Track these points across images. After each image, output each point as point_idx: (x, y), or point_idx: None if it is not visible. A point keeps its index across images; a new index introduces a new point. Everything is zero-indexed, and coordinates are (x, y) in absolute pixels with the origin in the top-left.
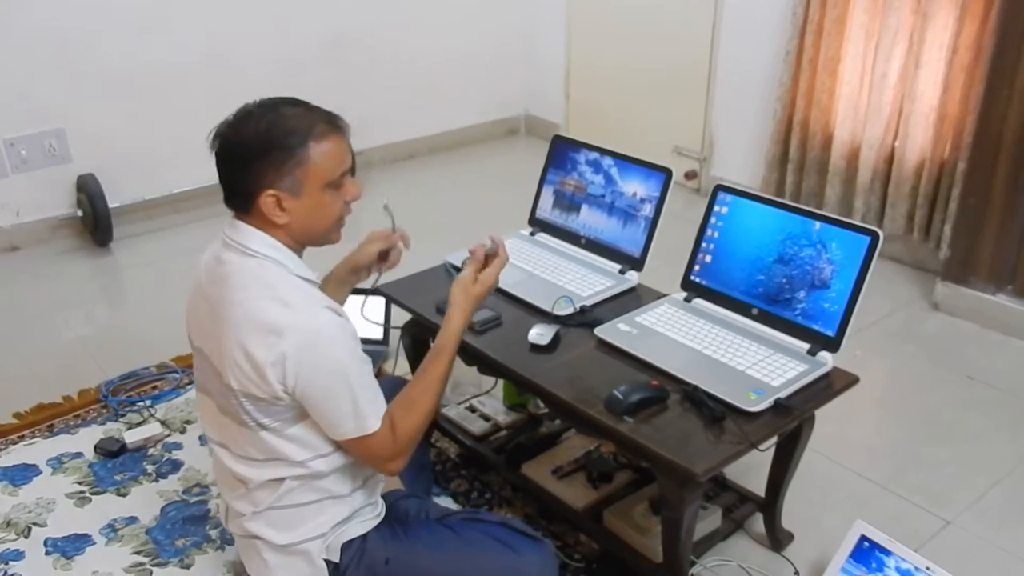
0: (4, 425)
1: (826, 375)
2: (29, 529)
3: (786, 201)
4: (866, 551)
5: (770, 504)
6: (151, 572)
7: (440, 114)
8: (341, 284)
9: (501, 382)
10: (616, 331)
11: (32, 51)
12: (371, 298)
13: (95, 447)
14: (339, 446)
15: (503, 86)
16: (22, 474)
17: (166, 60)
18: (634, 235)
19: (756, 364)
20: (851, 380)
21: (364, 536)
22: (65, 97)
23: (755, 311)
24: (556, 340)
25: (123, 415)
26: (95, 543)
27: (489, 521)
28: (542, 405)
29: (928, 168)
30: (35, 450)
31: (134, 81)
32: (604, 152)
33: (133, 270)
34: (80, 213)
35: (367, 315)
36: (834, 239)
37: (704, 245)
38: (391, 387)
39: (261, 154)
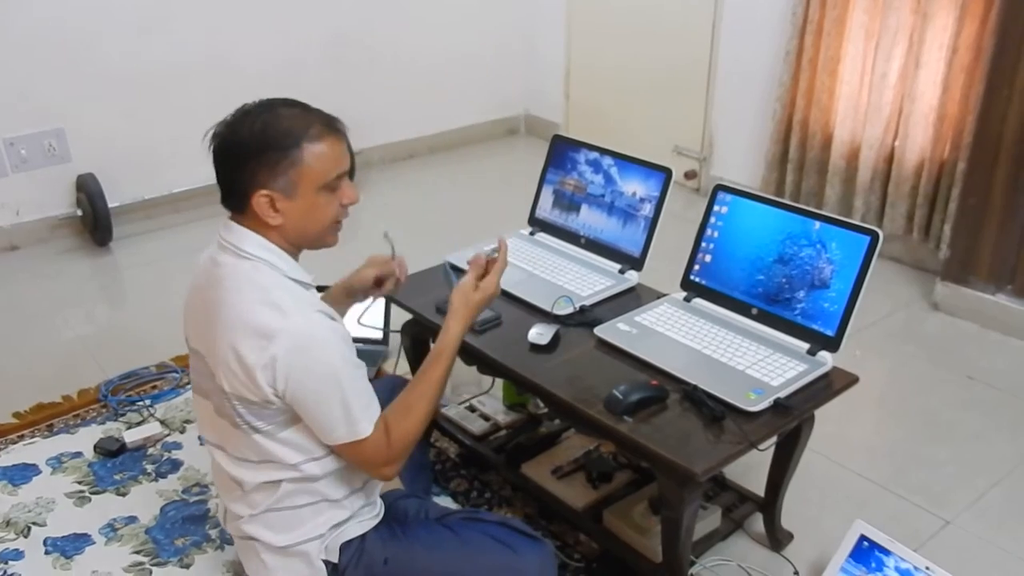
0: (4, 425)
1: (826, 375)
2: (29, 529)
3: (786, 201)
4: (866, 551)
5: (770, 504)
6: (151, 572)
7: (440, 114)
8: (336, 305)
9: (500, 382)
10: (616, 331)
11: (32, 51)
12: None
13: (95, 447)
14: (333, 450)
15: (503, 86)
16: (22, 474)
17: (166, 60)
18: (634, 235)
19: (756, 364)
20: (851, 380)
21: (363, 536)
22: (65, 97)
23: (755, 311)
24: (556, 340)
25: (123, 415)
26: (95, 543)
27: (488, 521)
28: (542, 405)
29: (928, 168)
30: (35, 450)
31: (134, 81)
32: (604, 152)
33: (133, 270)
34: (80, 213)
35: (368, 316)
36: (834, 239)
37: (704, 245)
38: (390, 386)
39: (256, 154)
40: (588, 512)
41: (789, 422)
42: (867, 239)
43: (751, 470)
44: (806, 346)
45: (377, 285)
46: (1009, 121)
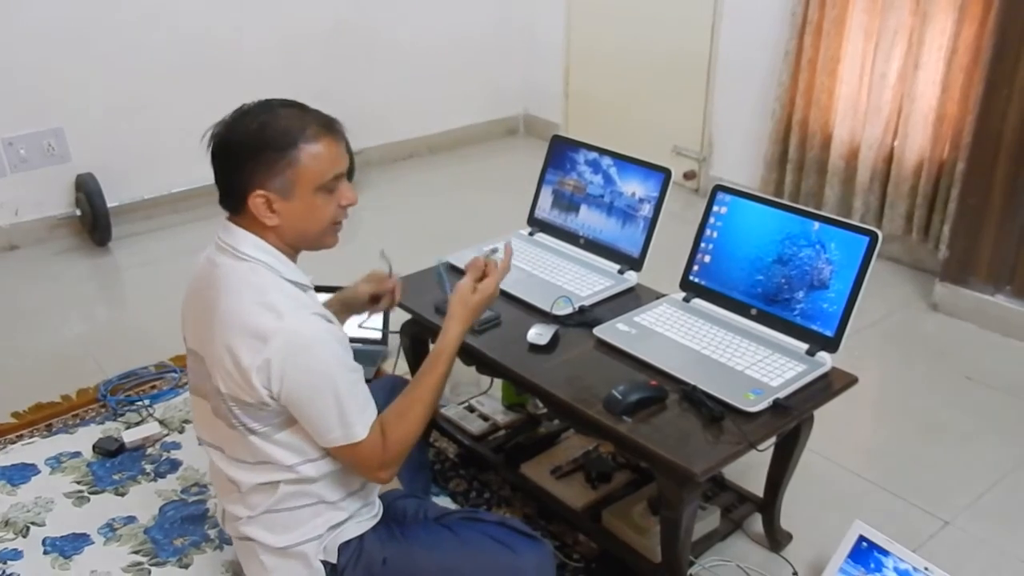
0: (2, 424)
1: (825, 375)
2: (27, 528)
3: (785, 201)
4: (864, 551)
5: (769, 504)
6: (149, 572)
7: (439, 114)
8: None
9: (499, 382)
10: (615, 331)
11: (31, 50)
12: None
13: (93, 446)
14: (329, 452)
15: (502, 86)
16: (20, 473)
17: (165, 59)
18: (633, 235)
19: (755, 364)
20: (850, 380)
21: (361, 537)
22: (64, 96)
23: (754, 311)
24: (555, 340)
25: (122, 414)
26: (93, 542)
27: (487, 521)
28: (541, 405)
29: (927, 168)
30: (33, 449)
31: (133, 80)
32: (603, 152)
33: (132, 269)
34: (79, 212)
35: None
36: (833, 239)
37: (703, 245)
38: (389, 386)
39: (252, 153)
40: (587, 512)
41: (788, 422)
42: (866, 239)
43: (750, 470)
44: (805, 346)
45: (373, 301)
46: (1008, 121)
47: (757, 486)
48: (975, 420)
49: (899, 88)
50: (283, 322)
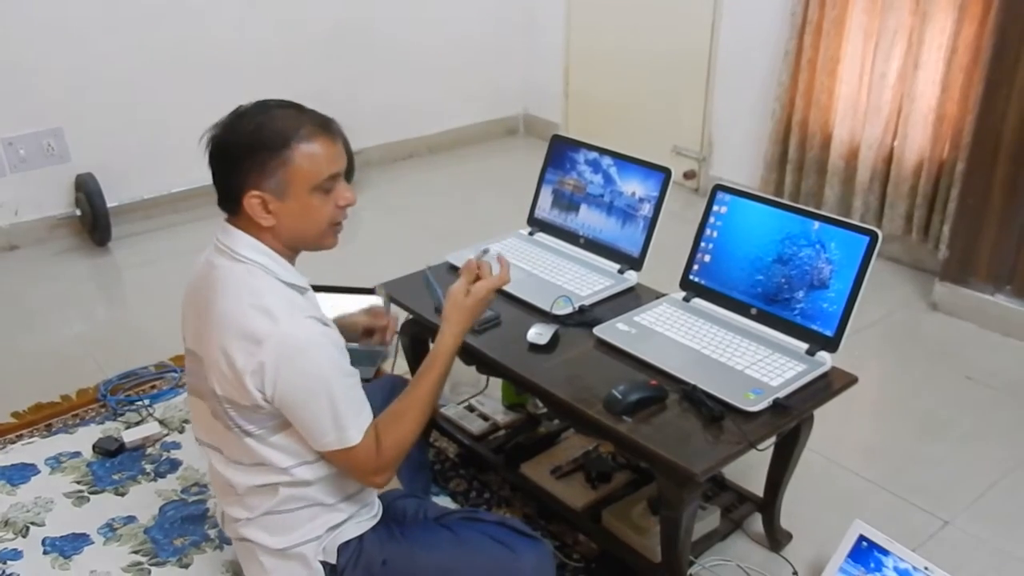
0: (2, 424)
1: (825, 375)
2: (27, 528)
3: (785, 201)
4: (864, 551)
5: (769, 504)
6: (149, 571)
7: (439, 114)
8: None
9: (497, 381)
10: (615, 331)
11: (31, 50)
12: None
13: (93, 446)
14: (323, 456)
15: (502, 86)
16: (20, 473)
17: (165, 59)
18: (633, 235)
19: (755, 364)
20: (850, 380)
21: (361, 537)
22: (64, 96)
23: (754, 311)
24: (555, 340)
25: (121, 414)
26: (93, 542)
27: (487, 521)
28: (541, 405)
29: (927, 168)
30: (33, 449)
31: (133, 80)
32: (603, 152)
33: (131, 269)
34: (79, 212)
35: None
36: (833, 239)
37: (703, 245)
38: (389, 386)
39: (247, 154)
40: (587, 512)
41: (788, 422)
42: (866, 239)
43: (750, 470)
44: (805, 346)
45: (367, 334)
46: (1008, 121)
47: (757, 486)
48: (975, 420)
49: (899, 88)
50: (277, 325)
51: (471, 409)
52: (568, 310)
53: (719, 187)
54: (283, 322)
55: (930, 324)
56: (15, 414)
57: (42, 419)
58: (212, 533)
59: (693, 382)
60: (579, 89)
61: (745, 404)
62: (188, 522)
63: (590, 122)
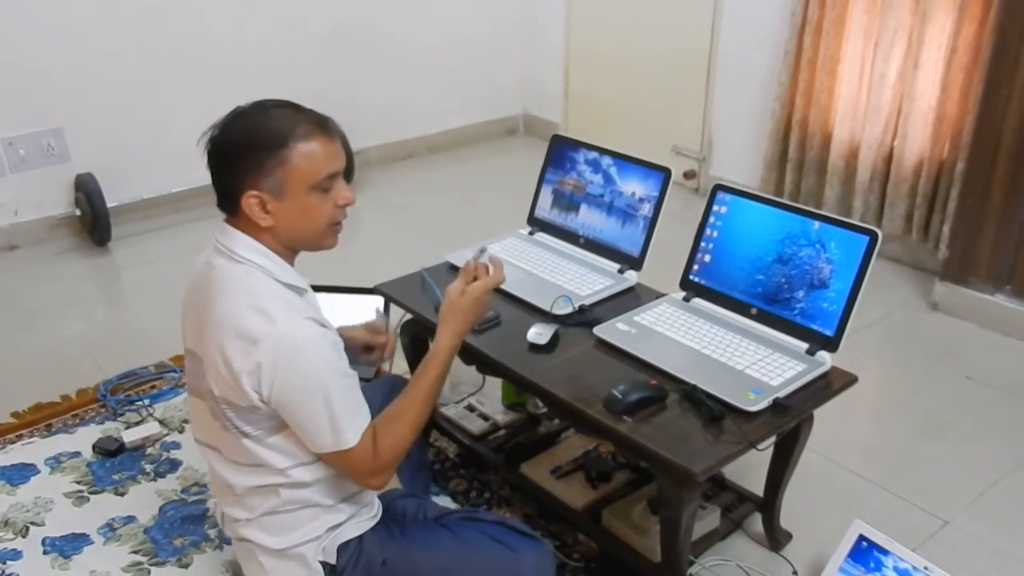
0: (2, 424)
1: (825, 375)
2: (27, 528)
3: (785, 201)
4: (864, 551)
5: (768, 504)
6: (149, 571)
7: (439, 114)
8: None
9: (497, 381)
10: (615, 330)
11: (31, 50)
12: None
13: (93, 446)
14: (320, 457)
15: (502, 85)
16: (20, 473)
17: (165, 59)
18: (633, 234)
19: (755, 364)
20: (850, 380)
21: (360, 537)
22: (63, 96)
23: (754, 311)
24: (555, 339)
25: (121, 414)
26: (93, 542)
27: (487, 521)
28: (541, 404)
29: (927, 168)
30: (33, 449)
31: (133, 80)
32: (603, 152)
33: (131, 269)
34: (78, 212)
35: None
36: (833, 239)
37: (703, 244)
38: (389, 386)
39: (244, 153)
40: (587, 512)
41: (788, 422)
42: (866, 239)
43: (750, 470)
44: (805, 346)
45: (366, 350)
46: (1008, 121)
47: (757, 485)
48: (975, 420)
49: (899, 88)
50: (274, 326)
51: (471, 409)
52: (568, 310)
53: (719, 187)
54: (280, 323)
55: (930, 324)
56: (15, 414)
57: (42, 419)
58: (212, 533)
59: (693, 382)
60: (579, 89)
61: (745, 404)
62: (188, 522)
63: (590, 122)
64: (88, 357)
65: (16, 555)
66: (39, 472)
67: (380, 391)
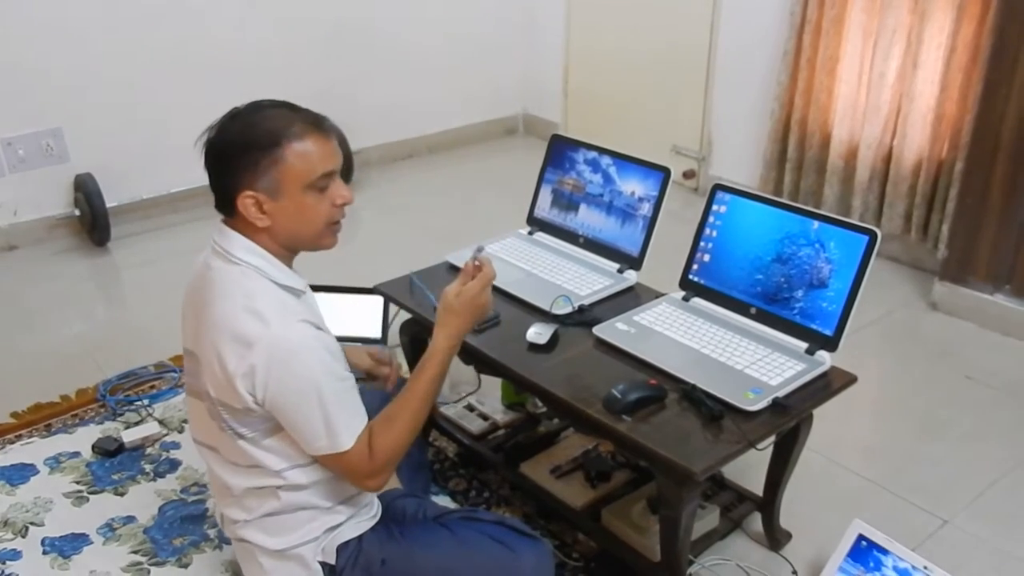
0: (2, 424)
1: (824, 374)
2: (26, 528)
3: (784, 200)
4: (864, 550)
5: (768, 503)
6: (149, 571)
7: (438, 113)
8: None
9: (496, 380)
10: (614, 330)
11: (31, 50)
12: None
13: (93, 446)
14: (316, 460)
15: (502, 85)
16: (19, 474)
17: (165, 59)
18: (632, 234)
19: (754, 363)
20: (849, 379)
21: (360, 537)
22: (63, 96)
23: (753, 310)
24: (554, 339)
25: (121, 414)
26: (93, 542)
27: (486, 520)
28: (540, 404)
29: (926, 168)
30: (32, 449)
31: (132, 80)
32: (602, 151)
33: (131, 269)
34: (78, 212)
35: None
36: (832, 238)
37: (702, 244)
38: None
39: (239, 153)
40: (587, 511)
41: (787, 421)
42: (865, 238)
43: (750, 469)
44: (804, 345)
45: (369, 378)
46: (1007, 120)
47: (757, 485)
48: (975, 420)
49: (898, 87)
50: (269, 329)
51: (471, 408)
52: (568, 310)
53: (718, 186)
54: (274, 325)
55: (929, 324)
56: (14, 414)
57: (41, 419)
58: (211, 533)
59: (692, 381)
60: (578, 89)
61: (744, 403)
62: (187, 522)
63: (589, 122)
64: (87, 357)
65: (16, 555)
66: (39, 472)
67: (378, 392)
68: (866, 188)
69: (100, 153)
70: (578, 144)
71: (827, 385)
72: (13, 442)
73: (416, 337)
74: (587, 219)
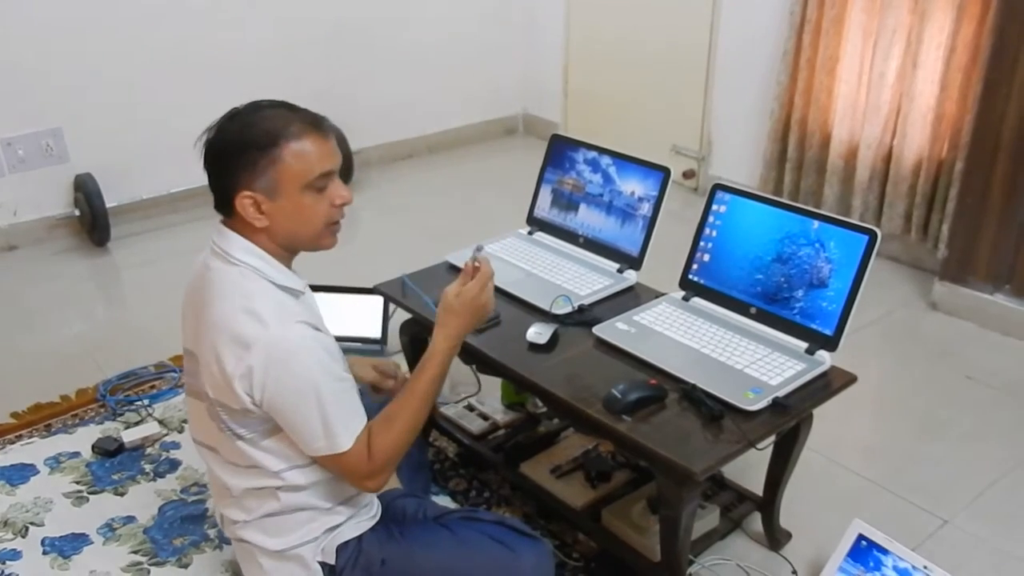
0: (2, 424)
1: (824, 374)
2: (27, 529)
3: (784, 200)
4: (864, 550)
5: (768, 503)
6: (149, 571)
7: (438, 113)
8: None
9: (496, 380)
10: (614, 330)
11: (30, 50)
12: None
13: (93, 446)
14: (315, 460)
15: (501, 85)
16: (19, 474)
17: (165, 59)
18: (632, 234)
19: (754, 363)
20: (849, 379)
21: (360, 537)
22: (63, 96)
23: (753, 310)
24: (554, 339)
25: (121, 414)
26: (93, 542)
27: (486, 520)
28: (540, 404)
29: (926, 167)
30: (32, 449)
31: (132, 80)
32: (602, 151)
33: (131, 269)
34: (77, 212)
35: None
36: (832, 238)
37: (702, 244)
38: None
39: (237, 153)
40: (587, 511)
41: (787, 421)
42: (865, 238)
43: (750, 469)
44: (804, 345)
45: (374, 390)
46: (1007, 120)
47: (756, 485)
48: (975, 420)
49: (898, 87)
50: (267, 330)
51: (471, 408)
52: (567, 309)
53: (718, 186)
54: (272, 326)
55: (930, 323)
56: (14, 414)
57: (41, 419)
58: (211, 533)
59: (692, 381)
60: (578, 88)
61: (744, 403)
62: (187, 522)
63: (589, 121)
64: (87, 357)
65: (16, 555)
66: (38, 472)
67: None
68: (866, 188)
69: (100, 153)
70: (578, 144)
71: (827, 385)
72: (13, 442)
73: (416, 337)
74: (587, 219)
